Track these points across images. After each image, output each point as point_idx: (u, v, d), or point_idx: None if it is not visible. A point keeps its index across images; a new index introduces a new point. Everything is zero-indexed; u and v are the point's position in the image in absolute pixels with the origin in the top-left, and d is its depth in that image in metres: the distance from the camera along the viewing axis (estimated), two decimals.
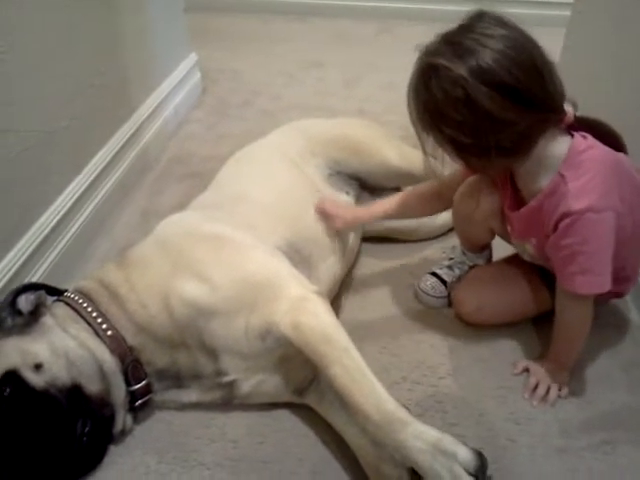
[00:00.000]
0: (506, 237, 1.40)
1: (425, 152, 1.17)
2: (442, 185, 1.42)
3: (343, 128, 1.75)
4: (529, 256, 1.35)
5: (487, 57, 1.02)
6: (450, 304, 1.51)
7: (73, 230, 1.67)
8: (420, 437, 0.99)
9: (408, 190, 1.50)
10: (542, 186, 1.16)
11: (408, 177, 1.71)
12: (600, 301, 1.28)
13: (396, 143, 1.76)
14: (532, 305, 1.41)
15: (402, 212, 1.48)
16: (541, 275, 1.38)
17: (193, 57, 2.67)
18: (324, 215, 1.46)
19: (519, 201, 1.26)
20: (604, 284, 1.14)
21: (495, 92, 1.01)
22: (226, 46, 3.17)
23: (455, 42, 1.05)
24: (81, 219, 1.71)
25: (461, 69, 1.02)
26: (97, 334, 1.15)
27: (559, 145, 1.13)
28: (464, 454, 0.98)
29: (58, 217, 1.60)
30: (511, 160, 1.13)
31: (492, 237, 1.47)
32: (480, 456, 0.99)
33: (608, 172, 1.12)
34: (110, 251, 1.72)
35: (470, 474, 0.96)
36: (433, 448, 0.98)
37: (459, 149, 1.11)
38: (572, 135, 1.14)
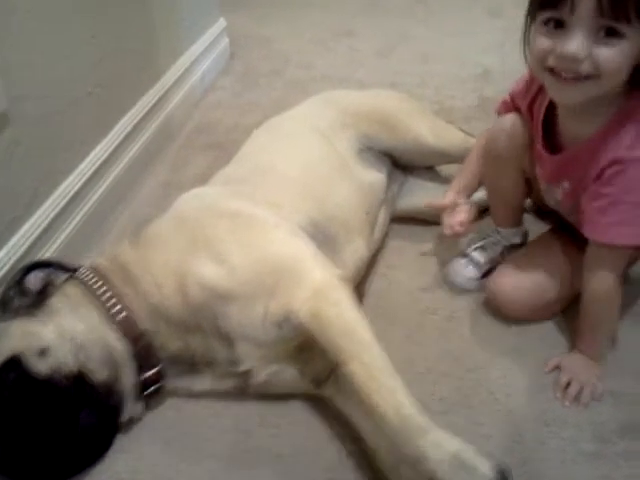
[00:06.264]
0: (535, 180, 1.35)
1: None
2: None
3: (377, 101, 1.67)
4: (555, 202, 1.29)
5: None
6: (483, 288, 1.42)
7: (93, 201, 1.62)
8: (440, 446, 0.93)
9: (470, 157, 1.46)
10: (591, 131, 1.11)
11: (442, 156, 1.65)
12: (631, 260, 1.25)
13: (431, 119, 1.68)
14: (573, 286, 1.32)
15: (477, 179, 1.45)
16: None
17: (222, 22, 2.60)
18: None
19: (552, 143, 1.21)
20: None
21: None
22: (256, 11, 3.09)
23: None
24: (101, 189, 1.66)
25: None
26: (109, 317, 1.11)
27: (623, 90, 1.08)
28: (485, 470, 0.90)
29: (78, 186, 1.55)
30: None
31: (524, 195, 1.41)
32: (502, 473, 0.91)
33: None
34: (130, 224, 1.67)
35: None
36: (453, 459, 0.91)
37: None
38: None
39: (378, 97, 1.71)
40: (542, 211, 1.56)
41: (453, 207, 1.41)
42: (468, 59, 2.56)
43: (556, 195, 1.26)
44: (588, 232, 1.15)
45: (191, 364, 1.15)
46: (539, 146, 1.25)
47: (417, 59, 2.61)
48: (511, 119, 1.33)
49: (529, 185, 1.41)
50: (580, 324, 1.23)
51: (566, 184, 1.20)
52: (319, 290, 1.08)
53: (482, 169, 1.42)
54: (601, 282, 1.17)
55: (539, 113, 1.24)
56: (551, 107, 1.22)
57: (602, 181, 1.10)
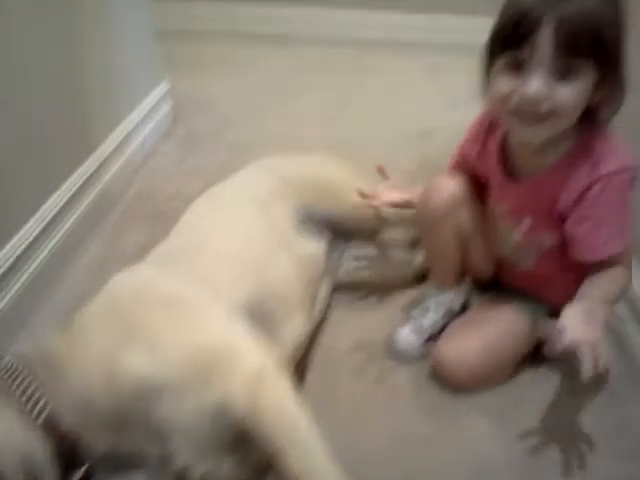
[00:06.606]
0: (474, 238, 1.39)
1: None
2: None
3: (316, 169, 1.67)
4: (510, 247, 1.32)
5: None
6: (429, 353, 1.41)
7: (23, 280, 1.53)
8: None
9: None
10: (551, 160, 1.17)
11: (382, 222, 1.63)
12: None
13: (370, 185, 1.67)
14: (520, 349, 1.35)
15: None
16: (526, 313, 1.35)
17: (165, 85, 2.56)
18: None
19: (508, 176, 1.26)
20: (627, 239, 1.16)
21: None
22: (200, 72, 3.06)
23: None
24: (33, 266, 1.57)
25: None
26: (29, 417, 1.03)
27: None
28: None
29: (7, 265, 1.47)
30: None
31: (460, 252, 1.40)
32: None
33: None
34: (63, 304, 1.58)
35: None
36: None
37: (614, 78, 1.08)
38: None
39: (317, 164, 1.70)
40: (481, 284, 1.55)
41: (391, 187, 1.51)
42: (409, 119, 2.59)
43: (514, 237, 1.27)
44: (585, 255, 1.17)
45: (122, 463, 1.09)
46: (501, 179, 1.27)
47: (360, 120, 2.62)
48: (444, 179, 1.37)
49: (469, 253, 1.42)
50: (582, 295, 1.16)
51: (527, 221, 1.23)
52: (254, 378, 1.04)
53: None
54: (614, 278, 1.17)
55: (493, 148, 1.27)
56: (504, 142, 1.26)
57: (584, 204, 1.13)
